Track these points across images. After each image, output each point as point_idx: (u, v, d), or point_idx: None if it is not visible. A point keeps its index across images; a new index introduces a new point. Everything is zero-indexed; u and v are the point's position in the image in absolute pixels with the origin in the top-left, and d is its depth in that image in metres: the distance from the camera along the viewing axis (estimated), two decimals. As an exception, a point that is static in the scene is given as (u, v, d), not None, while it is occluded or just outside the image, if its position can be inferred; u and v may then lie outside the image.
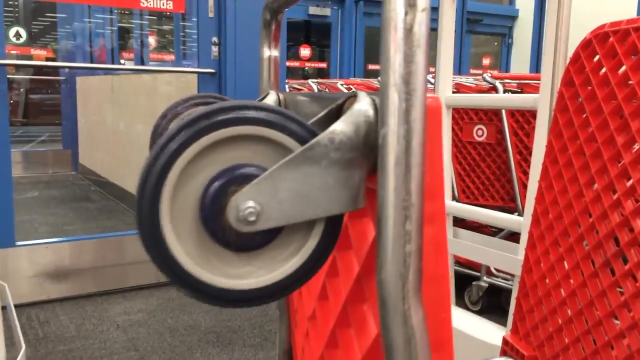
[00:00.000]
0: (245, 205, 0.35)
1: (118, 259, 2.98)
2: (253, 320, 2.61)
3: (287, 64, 8.18)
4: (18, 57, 6.55)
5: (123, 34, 7.35)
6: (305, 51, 8.27)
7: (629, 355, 0.69)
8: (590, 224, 0.76)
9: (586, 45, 0.79)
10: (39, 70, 8.85)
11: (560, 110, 0.83)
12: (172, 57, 6.45)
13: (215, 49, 3.01)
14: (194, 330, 2.52)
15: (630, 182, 0.71)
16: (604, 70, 0.76)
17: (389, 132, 0.32)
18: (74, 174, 6.65)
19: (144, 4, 2.80)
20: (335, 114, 0.39)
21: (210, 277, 0.36)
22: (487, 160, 2.70)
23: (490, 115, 2.65)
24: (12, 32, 6.15)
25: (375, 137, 0.34)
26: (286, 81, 4.38)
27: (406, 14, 0.31)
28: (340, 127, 0.36)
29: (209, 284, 0.36)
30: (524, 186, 2.51)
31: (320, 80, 3.85)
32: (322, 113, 0.41)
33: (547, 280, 0.84)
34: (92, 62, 6.91)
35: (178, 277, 0.36)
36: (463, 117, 2.74)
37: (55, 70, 7.60)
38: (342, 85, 3.53)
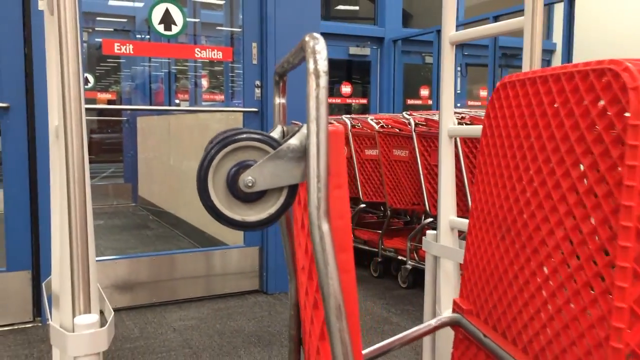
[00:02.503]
0: (248, 178, 0.73)
1: (174, 274, 3.41)
2: (290, 326, 2.97)
3: (329, 100, 8.68)
4: (85, 101, 7.26)
5: (179, 77, 8.01)
6: (346, 88, 8.75)
7: (515, 293, 1.03)
8: (496, 210, 1.10)
9: (498, 89, 1.16)
10: (102, 111, 9.64)
11: (483, 135, 1.19)
12: (223, 97, 7.05)
13: (258, 91, 3.46)
14: (239, 333, 2.90)
15: (514, 180, 1.05)
16: (507, 107, 1.12)
17: (311, 142, 0.70)
18: (134, 205, 7.25)
19: (198, 54, 3.29)
20: (294, 134, 0.77)
21: (232, 214, 0.74)
22: None
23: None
24: (81, 78, 6.85)
25: (307, 145, 0.72)
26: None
27: (316, 89, 0.70)
28: (293, 141, 0.74)
29: (231, 218, 0.74)
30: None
31: (353, 116, 4.26)
32: (289, 136, 0.79)
33: (477, 254, 1.18)
34: (150, 103, 7.56)
35: (217, 215, 0.74)
36: (477, 146, 3.07)
37: (117, 112, 8.32)
38: (371, 119, 3.92)
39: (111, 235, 5.48)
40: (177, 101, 7.89)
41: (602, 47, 8.41)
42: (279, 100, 1.14)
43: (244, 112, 3.51)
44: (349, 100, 8.79)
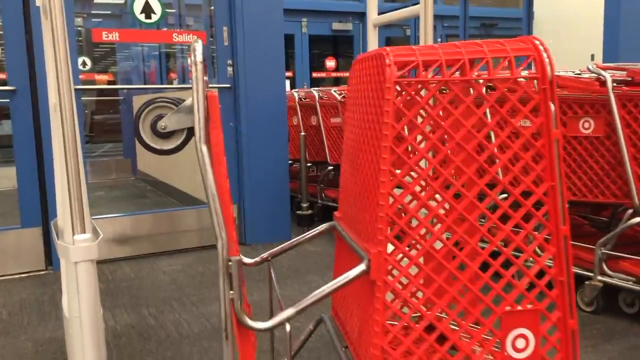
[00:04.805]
0: (163, 124, 1.28)
1: (166, 229, 3.98)
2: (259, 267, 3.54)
3: (314, 75, 9.16)
4: (84, 83, 7.80)
5: (169, 57, 8.51)
6: (330, 63, 9.23)
7: (353, 199, 1.57)
8: (348, 148, 1.64)
9: (353, 63, 1.68)
10: (101, 92, 10.16)
11: (347, 97, 1.72)
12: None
13: (230, 69, 3.98)
14: (218, 273, 3.47)
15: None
16: (354, 77, 1.65)
17: (194, 101, 1.24)
18: (133, 178, 7.82)
19: (175, 39, 3.80)
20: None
21: (154, 145, 1.29)
22: None
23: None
24: (79, 61, 7.40)
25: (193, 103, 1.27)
26: (296, 90, 5.35)
27: (195, 72, 1.23)
28: (188, 101, 1.28)
29: (154, 147, 1.29)
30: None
31: (321, 89, 4.79)
32: (189, 99, 1.33)
33: (343, 179, 1.72)
34: (145, 82, 8.08)
35: (145, 145, 1.29)
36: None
37: (115, 92, 8.85)
38: (334, 91, 4.45)
39: (112, 204, 6.06)
40: (174, 81, 8.39)
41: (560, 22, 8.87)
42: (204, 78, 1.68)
43: (218, 87, 4.03)
44: (333, 74, 9.27)
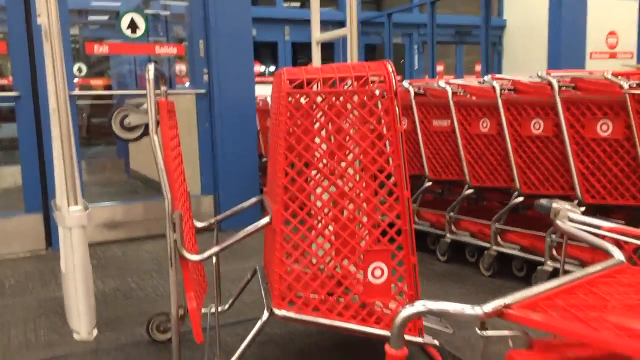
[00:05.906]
0: (128, 120, 1.88)
1: (150, 215, 4.57)
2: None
3: (296, 79, 9.75)
4: (80, 88, 8.39)
5: (158, 64, 9.12)
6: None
7: (272, 174, 2.16)
8: (272, 138, 2.24)
9: (274, 75, 2.28)
10: (96, 96, 10.74)
11: (271, 101, 2.32)
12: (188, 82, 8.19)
13: (205, 77, 4.58)
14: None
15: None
16: (274, 87, 2.25)
17: (148, 105, 1.84)
18: (126, 177, 8.41)
19: (157, 50, 4.40)
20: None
21: (123, 135, 1.89)
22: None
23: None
24: (75, 67, 8.00)
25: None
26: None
27: (148, 86, 1.83)
28: (144, 105, 1.88)
29: (122, 137, 1.89)
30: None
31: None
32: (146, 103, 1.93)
33: (269, 162, 2.32)
34: (137, 87, 8.67)
35: (116, 136, 1.89)
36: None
37: (109, 96, 9.44)
38: (300, 95, 5.04)
39: (106, 199, 6.64)
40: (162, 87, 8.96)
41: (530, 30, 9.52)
42: (163, 88, 2.28)
43: (196, 93, 4.63)
44: (315, 79, 9.88)
